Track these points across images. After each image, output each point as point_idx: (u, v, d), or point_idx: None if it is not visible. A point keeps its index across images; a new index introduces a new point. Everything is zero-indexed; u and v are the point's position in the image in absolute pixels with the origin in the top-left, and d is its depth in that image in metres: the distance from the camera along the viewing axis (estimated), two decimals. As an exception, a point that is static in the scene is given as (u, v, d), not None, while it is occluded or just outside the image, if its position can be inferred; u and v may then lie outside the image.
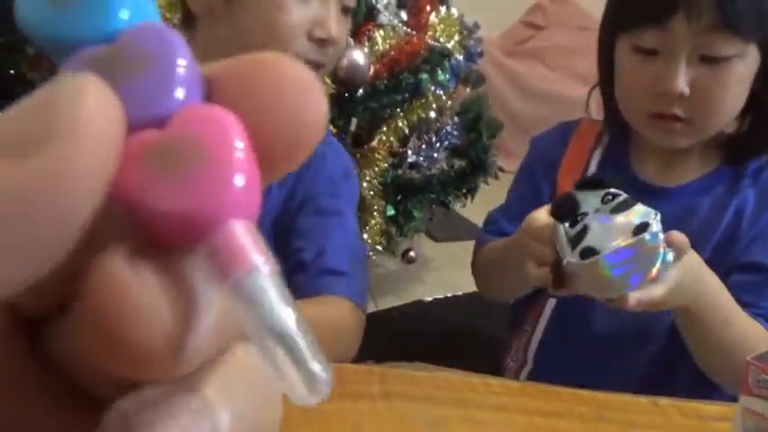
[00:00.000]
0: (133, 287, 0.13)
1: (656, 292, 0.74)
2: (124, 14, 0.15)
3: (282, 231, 0.91)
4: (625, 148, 1.00)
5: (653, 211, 0.73)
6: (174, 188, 0.13)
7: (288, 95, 0.14)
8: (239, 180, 0.13)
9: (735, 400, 0.70)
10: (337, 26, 0.88)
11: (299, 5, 0.85)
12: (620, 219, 0.74)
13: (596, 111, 1.07)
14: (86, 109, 0.12)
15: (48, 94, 0.13)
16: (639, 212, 0.73)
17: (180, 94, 0.14)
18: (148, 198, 0.13)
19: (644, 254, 0.71)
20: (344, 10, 0.90)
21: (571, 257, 0.74)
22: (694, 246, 0.93)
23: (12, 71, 1.34)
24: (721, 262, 0.88)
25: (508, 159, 2.37)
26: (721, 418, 0.72)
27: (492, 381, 0.77)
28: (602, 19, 0.95)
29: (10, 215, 0.12)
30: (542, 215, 0.81)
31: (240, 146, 0.13)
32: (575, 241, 0.75)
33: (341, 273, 0.89)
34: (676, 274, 0.75)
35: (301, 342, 0.13)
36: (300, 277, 0.88)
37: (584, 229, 0.75)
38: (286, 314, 0.13)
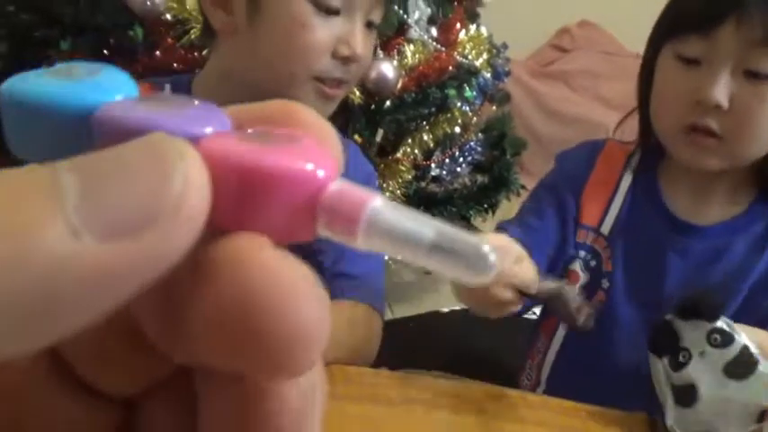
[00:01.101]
0: (289, 272, 0.13)
1: None
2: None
3: None
4: (654, 175, 0.97)
5: None
6: (284, 153, 0.14)
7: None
8: (335, 149, 0.15)
9: None
10: (362, 43, 0.86)
11: (324, 23, 0.83)
12: (739, 391, 0.64)
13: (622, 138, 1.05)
14: (189, 192, 0.13)
15: (153, 162, 0.13)
16: (762, 385, 0.64)
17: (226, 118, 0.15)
18: (265, 161, 0.14)
19: None
20: (369, 25, 0.88)
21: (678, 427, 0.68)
22: (728, 287, 0.89)
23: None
24: (758, 304, 0.86)
25: (529, 179, 2.36)
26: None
27: (512, 392, 0.77)
28: (651, 31, 0.92)
29: (103, 289, 0.12)
30: (526, 273, 0.75)
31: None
32: (680, 398, 0.68)
33: (357, 277, 0.89)
34: None
35: (451, 229, 0.14)
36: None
37: (693, 391, 0.67)
38: (422, 221, 0.14)
